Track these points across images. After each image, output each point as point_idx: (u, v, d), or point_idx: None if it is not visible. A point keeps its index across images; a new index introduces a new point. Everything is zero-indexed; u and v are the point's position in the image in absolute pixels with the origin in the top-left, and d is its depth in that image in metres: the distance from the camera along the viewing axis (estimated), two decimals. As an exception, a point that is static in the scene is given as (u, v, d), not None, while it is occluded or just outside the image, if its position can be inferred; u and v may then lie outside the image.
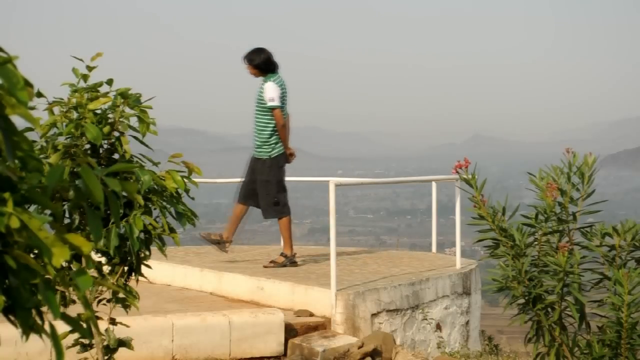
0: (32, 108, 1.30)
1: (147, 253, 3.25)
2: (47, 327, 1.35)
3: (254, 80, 7.40)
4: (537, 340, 4.32)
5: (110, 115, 3.26)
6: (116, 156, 3.28)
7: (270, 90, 7.21)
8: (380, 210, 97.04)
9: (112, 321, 3.38)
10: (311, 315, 6.07)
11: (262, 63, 7.28)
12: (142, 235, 3.12)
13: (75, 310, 2.39)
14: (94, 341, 3.27)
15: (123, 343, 3.37)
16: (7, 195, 1.27)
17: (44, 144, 3.15)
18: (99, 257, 3.21)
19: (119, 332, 3.42)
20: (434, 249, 8.75)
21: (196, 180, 3.31)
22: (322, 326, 5.95)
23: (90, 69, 3.25)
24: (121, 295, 3.25)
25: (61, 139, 3.17)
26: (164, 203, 3.16)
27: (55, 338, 1.33)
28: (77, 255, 2.52)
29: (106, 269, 3.27)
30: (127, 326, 3.49)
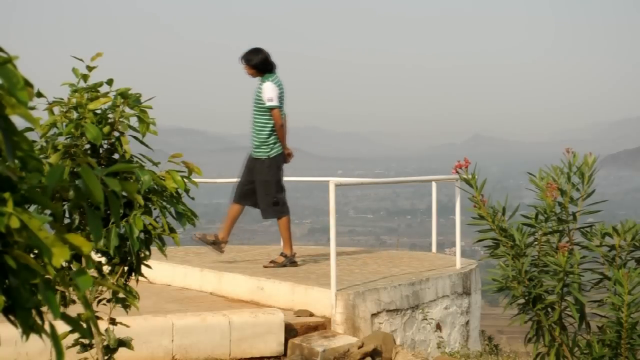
0: (32, 108, 1.30)
1: (147, 253, 3.25)
2: (47, 327, 1.35)
3: (253, 80, 7.41)
4: (537, 340, 4.32)
5: (110, 115, 3.26)
6: (116, 156, 3.28)
7: (269, 91, 7.22)
8: (380, 210, 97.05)
9: (112, 321, 3.38)
10: (311, 315, 6.07)
11: (260, 63, 7.28)
12: (142, 235, 3.12)
13: (75, 310, 2.39)
14: (94, 341, 3.27)
15: (123, 343, 3.37)
16: (7, 195, 1.27)
17: (44, 144, 3.15)
18: (99, 257, 3.21)
19: (119, 332, 3.42)
20: (434, 249, 8.75)
21: (196, 180, 3.31)
22: (322, 326, 5.95)
23: (90, 69, 3.25)
24: (121, 295, 3.25)
25: (61, 139, 3.17)
26: (164, 203, 3.16)
27: (55, 338, 1.33)
28: (77, 255, 2.52)
29: (106, 269, 3.27)
30: (127, 326, 3.50)
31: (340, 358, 5.22)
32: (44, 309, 1.34)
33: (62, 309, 2.84)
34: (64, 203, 2.82)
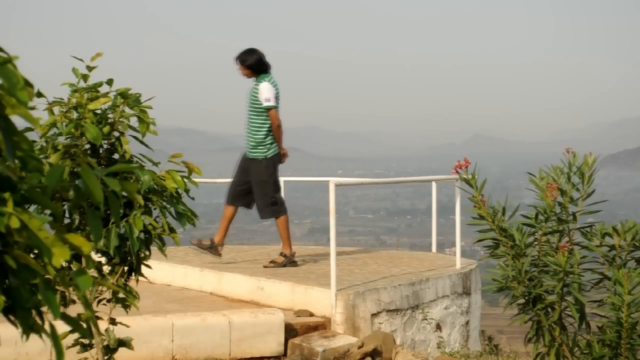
0: (32, 108, 1.30)
1: (147, 253, 3.25)
2: (47, 327, 1.35)
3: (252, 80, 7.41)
4: (537, 340, 4.32)
5: (110, 115, 3.25)
6: (116, 156, 3.28)
7: (266, 91, 7.22)
8: (380, 210, 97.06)
9: (112, 321, 3.38)
10: (311, 315, 6.07)
11: (255, 64, 7.28)
12: (142, 235, 3.12)
13: (75, 310, 2.39)
14: (94, 341, 3.27)
15: (123, 343, 3.37)
16: (7, 195, 1.27)
17: (44, 144, 3.15)
18: (99, 257, 3.21)
19: (119, 332, 3.42)
20: (434, 249, 8.75)
21: (196, 180, 3.31)
22: (322, 326, 5.95)
23: (90, 69, 3.25)
24: (121, 295, 3.25)
25: (61, 139, 3.17)
26: (164, 203, 3.16)
27: (55, 338, 1.33)
28: (77, 255, 2.52)
29: (106, 269, 3.27)
30: (127, 326, 3.50)
31: (340, 358, 5.22)
32: (44, 309, 1.34)
33: (62, 309, 2.84)
34: (64, 203, 2.82)
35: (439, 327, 6.79)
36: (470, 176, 4.33)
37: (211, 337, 5.42)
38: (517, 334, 9.19)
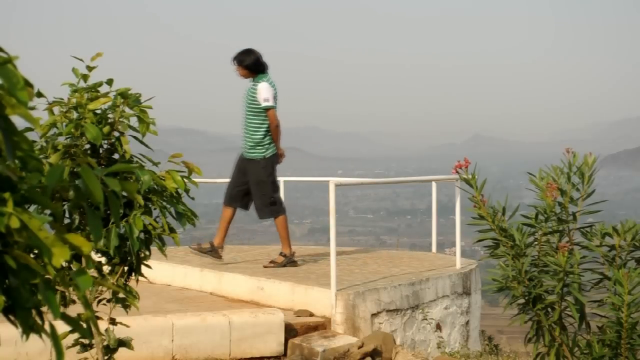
0: (32, 108, 1.30)
1: (147, 253, 3.25)
2: (47, 327, 1.35)
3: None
4: (537, 340, 4.32)
5: (110, 115, 3.25)
6: (116, 156, 3.28)
7: (265, 91, 7.22)
8: (380, 210, 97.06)
9: (112, 321, 3.38)
10: (311, 315, 6.07)
11: (252, 64, 7.28)
12: (142, 235, 3.11)
13: (75, 310, 2.39)
14: (94, 341, 3.27)
15: (123, 343, 3.37)
16: (7, 195, 1.27)
17: (44, 144, 3.15)
18: (99, 257, 3.21)
19: (119, 332, 3.42)
20: (434, 249, 8.75)
21: (196, 180, 3.31)
22: (322, 326, 5.95)
23: (90, 69, 3.25)
24: (121, 295, 3.25)
25: (61, 139, 3.17)
26: (164, 203, 3.16)
27: (55, 338, 1.33)
28: (77, 255, 2.52)
29: (106, 269, 3.27)
30: (127, 326, 3.50)
31: (340, 358, 5.22)
32: (44, 309, 1.34)
33: (62, 309, 2.84)
34: (64, 203, 2.82)
35: (439, 327, 6.79)
36: (470, 176, 4.33)
37: (211, 337, 5.42)
38: (517, 334, 9.19)
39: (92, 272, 3.10)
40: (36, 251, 1.31)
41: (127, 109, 3.27)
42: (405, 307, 6.45)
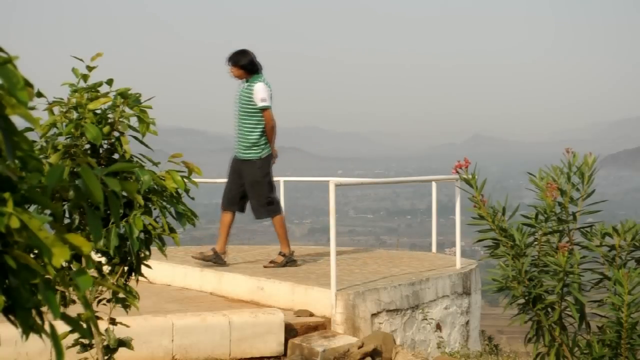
0: (32, 108, 1.30)
1: (147, 253, 3.25)
2: (47, 327, 1.35)
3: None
4: (537, 340, 4.32)
5: (110, 115, 3.25)
6: (116, 156, 3.28)
7: (262, 91, 7.21)
8: (380, 210, 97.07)
9: (112, 321, 3.38)
10: (311, 315, 6.07)
11: (248, 64, 7.28)
12: (142, 235, 3.12)
13: (75, 310, 2.39)
14: (94, 341, 3.27)
15: (123, 343, 3.37)
16: (7, 195, 1.27)
17: (44, 144, 3.15)
18: (99, 257, 3.21)
19: (119, 332, 3.42)
20: (434, 249, 8.75)
21: (196, 180, 3.31)
22: (322, 326, 5.95)
23: (90, 69, 3.25)
24: (121, 295, 3.25)
25: (61, 139, 3.17)
26: (164, 203, 3.16)
27: (55, 338, 1.33)
28: (77, 255, 2.52)
29: (106, 269, 3.27)
30: (127, 326, 3.50)
31: (340, 358, 5.22)
32: (44, 309, 1.34)
33: (62, 309, 2.84)
34: (64, 203, 2.82)
35: (439, 327, 6.79)
36: (470, 176, 4.33)
37: (211, 337, 5.42)
38: (517, 334, 9.19)
39: (92, 272, 3.10)
40: (36, 251, 1.31)
41: (127, 109, 3.27)
42: (405, 307, 6.45)
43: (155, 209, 3.17)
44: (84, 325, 1.46)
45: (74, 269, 1.97)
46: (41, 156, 3.06)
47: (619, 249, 4.30)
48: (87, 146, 3.21)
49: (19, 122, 1.30)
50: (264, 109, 7.21)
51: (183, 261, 7.76)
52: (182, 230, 3.34)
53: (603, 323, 4.24)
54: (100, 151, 3.27)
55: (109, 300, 3.31)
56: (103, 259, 3.25)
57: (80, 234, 2.76)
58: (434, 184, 8.23)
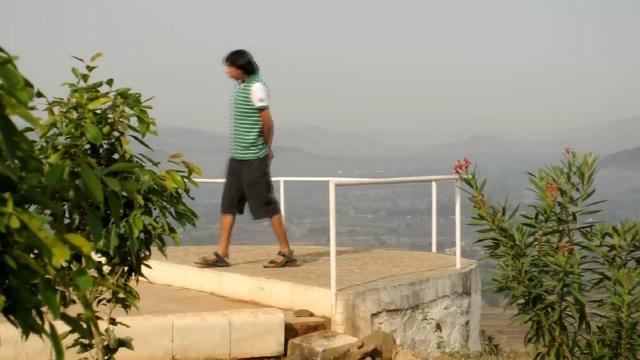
0: (32, 108, 1.30)
1: (147, 253, 3.25)
2: (47, 327, 1.35)
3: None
4: (537, 340, 4.32)
5: (110, 115, 3.25)
6: (116, 156, 3.28)
7: (260, 91, 7.21)
8: (380, 210, 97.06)
9: (112, 321, 3.38)
10: (311, 315, 6.07)
11: (246, 64, 7.27)
12: (142, 235, 3.12)
13: (75, 310, 2.39)
14: (94, 341, 3.27)
15: (123, 343, 3.37)
16: (7, 195, 1.27)
17: (44, 144, 3.15)
18: (99, 257, 3.21)
19: (119, 332, 3.42)
20: (434, 249, 8.75)
21: (196, 180, 3.31)
22: (322, 326, 5.95)
23: (90, 69, 3.25)
24: (121, 295, 3.25)
25: (61, 139, 3.17)
26: (164, 203, 3.16)
27: (55, 338, 1.33)
28: (77, 255, 2.52)
29: (106, 269, 3.27)
30: (127, 326, 3.50)
31: (340, 358, 5.22)
32: (44, 309, 1.34)
33: (62, 309, 2.84)
34: (64, 203, 2.82)
35: (439, 327, 6.79)
36: (470, 176, 4.32)
37: (211, 337, 5.42)
38: (517, 334, 9.19)
39: (92, 272, 3.10)
40: (36, 251, 1.31)
41: (127, 109, 3.27)
42: (405, 307, 6.45)
43: (155, 209, 3.17)
44: (84, 325, 1.46)
45: (74, 269, 1.97)
46: (41, 156, 3.06)
47: (619, 249, 4.30)
48: (87, 146, 3.21)
49: (19, 122, 1.30)
50: (262, 109, 7.20)
51: (183, 261, 7.77)
52: (182, 230, 3.34)
53: (603, 323, 4.24)
54: (100, 151, 3.27)
55: (109, 300, 3.31)
56: (103, 259, 3.25)
57: (80, 234, 2.76)
58: (434, 184, 8.23)
